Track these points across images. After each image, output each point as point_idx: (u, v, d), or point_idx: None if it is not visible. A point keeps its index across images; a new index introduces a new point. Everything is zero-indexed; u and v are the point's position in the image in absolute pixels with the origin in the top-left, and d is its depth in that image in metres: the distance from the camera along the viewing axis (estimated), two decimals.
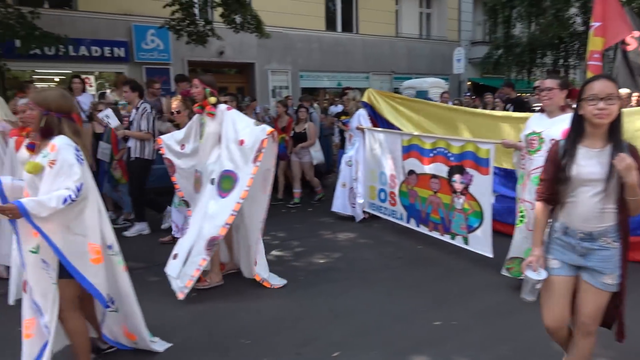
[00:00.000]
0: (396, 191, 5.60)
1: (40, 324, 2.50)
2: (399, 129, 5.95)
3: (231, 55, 14.44)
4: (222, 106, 4.06)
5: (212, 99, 4.00)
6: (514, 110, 7.43)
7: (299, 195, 7.35)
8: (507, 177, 5.29)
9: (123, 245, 2.93)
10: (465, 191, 4.61)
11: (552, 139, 3.41)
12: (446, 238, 4.91)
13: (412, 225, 5.41)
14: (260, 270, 4.19)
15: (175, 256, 3.97)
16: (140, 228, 5.76)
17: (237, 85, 15.48)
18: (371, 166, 6.03)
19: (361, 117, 6.20)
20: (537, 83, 7.83)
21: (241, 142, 3.83)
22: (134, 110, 5.52)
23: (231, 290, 4.05)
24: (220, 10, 10.18)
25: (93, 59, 12.29)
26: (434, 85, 13.85)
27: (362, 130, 6.11)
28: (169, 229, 5.54)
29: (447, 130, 5.63)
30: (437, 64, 18.66)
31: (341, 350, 3.06)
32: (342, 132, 7.65)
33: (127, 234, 5.65)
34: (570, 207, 2.20)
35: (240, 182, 3.77)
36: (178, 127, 5.00)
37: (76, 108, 2.66)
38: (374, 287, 4.10)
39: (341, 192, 6.36)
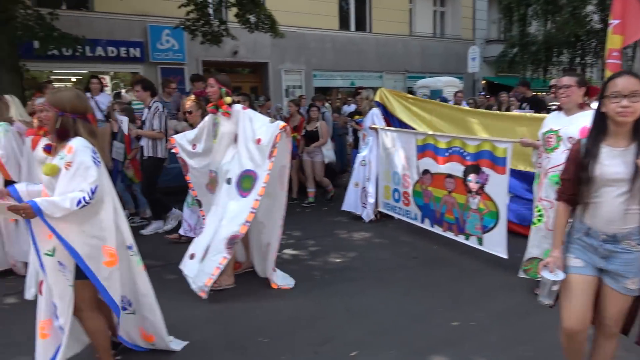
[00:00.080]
0: (409, 191, 5.57)
1: (55, 325, 2.53)
2: (412, 128, 5.91)
3: (245, 55, 14.51)
4: (238, 106, 4.08)
5: (228, 99, 4.03)
6: (530, 109, 7.37)
7: (314, 195, 7.36)
8: (522, 179, 5.22)
9: (140, 243, 2.94)
10: (480, 191, 4.57)
11: (570, 137, 3.38)
12: (460, 238, 4.87)
13: (427, 225, 5.38)
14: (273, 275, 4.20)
15: (192, 256, 4.00)
16: (157, 226, 5.82)
17: (250, 84, 15.55)
18: (385, 166, 6.00)
19: (375, 117, 6.17)
20: (553, 81, 7.74)
21: (258, 141, 3.85)
22: (146, 110, 5.58)
23: (247, 289, 4.07)
24: (234, 10, 10.26)
25: (109, 59, 12.47)
26: (448, 84, 13.80)
27: (375, 129, 6.09)
28: (171, 230, 5.69)
29: (459, 131, 5.56)
30: (451, 62, 18.53)
31: (359, 349, 3.06)
32: (355, 131, 7.65)
33: (144, 232, 5.72)
34: (593, 208, 2.14)
35: (259, 180, 3.79)
36: (192, 127, 5.04)
37: (91, 108, 2.67)
38: (390, 286, 4.09)
39: (353, 192, 6.35)
